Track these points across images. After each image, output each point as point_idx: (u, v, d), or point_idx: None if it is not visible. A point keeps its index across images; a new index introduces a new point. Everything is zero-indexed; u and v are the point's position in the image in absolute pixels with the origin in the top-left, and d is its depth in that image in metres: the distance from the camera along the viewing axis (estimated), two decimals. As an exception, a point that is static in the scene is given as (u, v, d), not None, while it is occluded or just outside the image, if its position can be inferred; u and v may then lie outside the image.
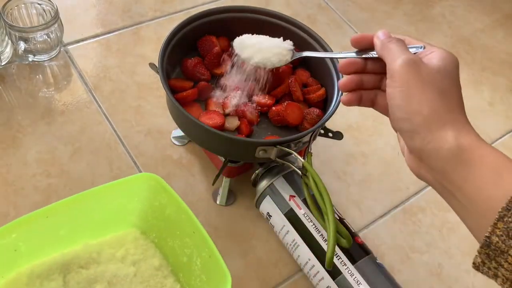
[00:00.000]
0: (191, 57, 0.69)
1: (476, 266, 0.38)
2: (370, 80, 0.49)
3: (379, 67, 0.48)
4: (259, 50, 0.62)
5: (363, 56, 0.48)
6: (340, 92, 0.63)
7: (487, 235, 0.36)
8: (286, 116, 0.64)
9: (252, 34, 0.65)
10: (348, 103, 0.50)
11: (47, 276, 0.53)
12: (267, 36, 0.64)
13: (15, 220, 0.49)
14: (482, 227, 0.37)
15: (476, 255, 0.37)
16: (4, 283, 0.52)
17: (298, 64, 0.72)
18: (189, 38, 0.68)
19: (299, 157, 0.58)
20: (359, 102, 0.50)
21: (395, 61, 0.42)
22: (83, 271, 0.54)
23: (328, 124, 0.66)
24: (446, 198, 0.41)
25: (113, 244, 0.57)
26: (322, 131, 0.68)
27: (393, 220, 0.73)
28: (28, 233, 0.51)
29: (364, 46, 0.48)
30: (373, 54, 0.47)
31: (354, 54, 0.49)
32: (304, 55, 0.60)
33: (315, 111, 0.65)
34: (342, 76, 0.58)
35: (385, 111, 0.48)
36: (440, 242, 0.71)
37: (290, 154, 0.58)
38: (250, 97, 0.67)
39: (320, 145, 0.77)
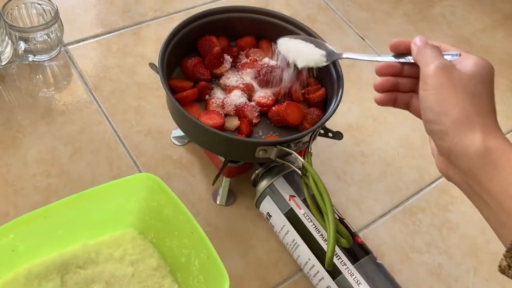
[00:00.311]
0: (191, 57, 0.69)
1: (501, 270, 0.39)
2: (406, 83, 0.51)
3: (416, 72, 0.49)
4: (301, 53, 0.63)
5: (400, 60, 0.50)
6: (340, 93, 0.63)
7: None
8: (286, 116, 0.64)
9: (261, 35, 0.68)
10: (381, 103, 0.51)
11: (45, 276, 0.53)
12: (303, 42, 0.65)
13: (13, 221, 0.49)
14: (508, 229, 0.38)
15: (502, 258, 0.38)
16: (1, 284, 0.52)
17: (298, 64, 0.72)
18: (189, 38, 0.68)
19: (299, 157, 0.58)
20: (394, 104, 0.52)
21: (429, 65, 0.44)
22: (81, 271, 0.54)
23: (328, 124, 0.66)
24: (474, 201, 0.42)
25: (111, 244, 0.57)
26: (322, 131, 0.68)
27: (393, 220, 0.73)
28: (26, 233, 0.51)
29: (402, 51, 0.50)
30: (409, 59, 0.49)
31: (392, 58, 0.51)
32: (344, 56, 0.61)
33: (315, 111, 0.65)
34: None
35: (419, 114, 0.50)
36: (440, 242, 0.71)
37: (290, 154, 0.58)
38: (250, 98, 0.67)
39: (320, 145, 0.77)
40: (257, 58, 0.70)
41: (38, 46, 0.76)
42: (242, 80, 0.68)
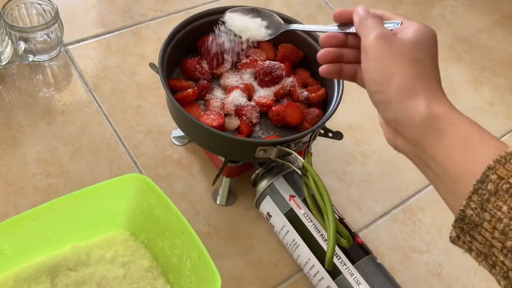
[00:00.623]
0: (191, 57, 0.69)
1: (452, 240, 0.38)
2: (351, 54, 0.49)
3: (359, 43, 0.47)
4: (246, 27, 0.61)
5: (344, 31, 0.49)
6: (341, 93, 0.63)
7: (461, 208, 0.35)
8: (286, 116, 0.64)
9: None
10: (325, 74, 0.50)
11: (35, 279, 0.52)
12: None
13: (0, 223, 0.49)
14: (456, 199, 0.37)
15: (452, 229, 0.38)
16: None
17: (298, 64, 0.72)
18: (189, 38, 0.68)
19: (299, 157, 0.58)
20: (339, 75, 0.50)
21: (368, 36, 0.43)
22: (71, 273, 0.54)
23: (328, 124, 0.66)
24: (423, 170, 0.42)
25: (102, 245, 0.57)
26: (322, 131, 0.68)
27: (393, 220, 0.73)
28: (14, 237, 0.50)
29: (345, 21, 0.48)
30: (352, 29, 0.48)
31: (335, 28, 0.49)
32: (290, 28, 0.59)
33: (315, 111, 0.65)
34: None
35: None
36: (440, 242, 0.71)
37: (290, 154, 0.58)
38: (250, 98, 0.67)
39: (320, 145, 0.77)
40: (257, 58, 0.70)
41: (38, 46, 0.76)
42: (242, 80, 0.68)
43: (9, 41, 0.75)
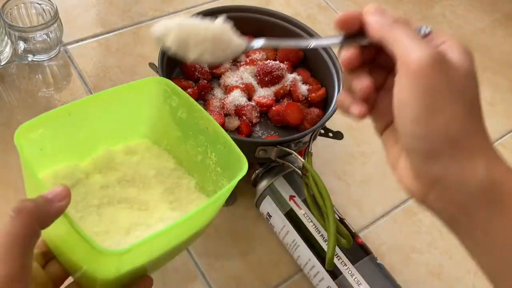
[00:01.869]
0: (191, 57, 0.69)
1: None
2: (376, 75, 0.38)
3: (376, 55, 0.37)
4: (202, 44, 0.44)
5: (353, 43, 0.36)
6: (341, 92, 0.63)
7: None
8: (286, 116, 0.64)
9: (261, 34, 0.56)
10: (365, 115, 0.39)
11: (72, 177, 0.52)
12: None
13: (41, 115, 0.48)
14: (506, 273, 0.31)
15: None
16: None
17: (298, 63, 0.72)
18: (189, 38, 0.68)
19: (299, 157, 0.57)
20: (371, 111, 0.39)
21: (413, 55, 0.31)
22: (108, 172, 0.54)
23: (328, 124, 0.66)
24: (458, 233, 0.34)
25: (127, 152, 0.57)
26: (322, 131, 0.68)
27: (394, 220, 0.72)
28: (53, 131, 0.50)
29: (354, 29, 0.36)
30: (366, 41, 0.36)
31: (326, 42, 0.38)
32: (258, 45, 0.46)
33: (315, 111, 0.65)
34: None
35: (385, 117, 0.38)
36: (440, 242, 0.71)
37: (290, 154, 0.58)
38: (250, 98, 0.67)
39: (320, 145, 0.77)
40: (257, 58, 0.70)
41: (38, 46, 0.76)
42: (242, 80, 0.68)
43: (9, 41, 0.75)
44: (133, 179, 0.55)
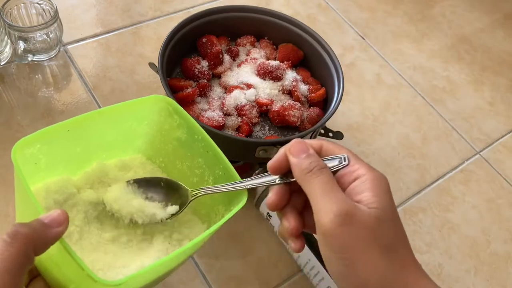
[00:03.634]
0: (191, 56, 0.69)
1: None
2: (299, 199, 0.41)
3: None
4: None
5: (279, 182, 0.40)
6: (341, 92, 0.63)
7: None
8: (286, 116, 0.64)
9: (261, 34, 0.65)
10: (302, 249, 0.41)
11: (64, 191, 0.51)
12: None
13: (40, 131, 0.47)
14: None
15: None
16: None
17: (298, 63, 0.72)
18: (189, 38, 0.68)
19: (299, 157, 0.57)
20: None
21: (323, 215, 0.35)
22: (99, 187, 0.54)
23: (328, 124, 0.66)
24: None
25: (122, 167, 0.56)
26: (322, 131, 0.68)
27: (393, 220, 0.72)
28: (49, 146, 0.49)
29: (285, 171, 0.40)
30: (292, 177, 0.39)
31: (262, 180, 0.41)
32: (201, 194, 0.48)
33: (315, 111, 0.65)
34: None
35: (314, 231, 0.40)
36: (440, 242, 0.71)
37: (290, 154, 0.58)
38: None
39: (320, 145, 0.77)
40: (257, 57, 0.70)
41: (38, 45, 0.76)
42: (242, 79, 0.68)
43: (9, 41, 0.75)
44: None
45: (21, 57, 0.77)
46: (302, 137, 0.59)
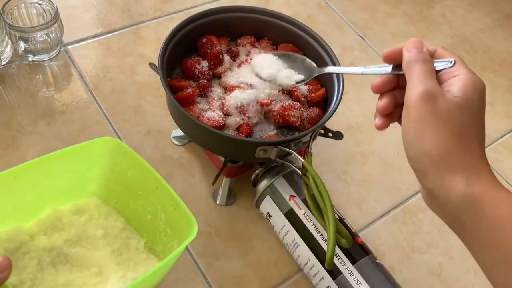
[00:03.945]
0: (191, 56, 0.69)
1: None
2: (400, 94, 0.45)
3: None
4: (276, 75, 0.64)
5: (393, 72, 0.45)
6: (341, 92, 0.63)
7: None
8: (286, 116, 0.64)
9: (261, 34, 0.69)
10: (382, 128, 0.47)
11: (15, 239, 0.52)
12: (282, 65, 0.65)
13: None
14: (501, 272, 0.36)
15: None
16: None
17: (298, 64, 0.72)
18: (189, 38, 0.68)
19: (299, 157, 0.57)
20: (393, 121, 0.47)
21: (412, 91, 0.40)
22: (52, 234, 0.54)
23: (328, 124, 0.66)
24: (458, 235, 0.41)
25: (76, 211, 0.57)
26: (322, 131, 0.68)
27: (393, 220, 0.72)
28: None
29: (396, 62, 0.44)
30: (401, 70, 0.43)
31: (377, 69, 0.46)
32: (326, 71, 0.60)
33: (315, 111, 0.65)
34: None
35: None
36: (440, 242, 0.71)
37: (290, 154, 0.58)
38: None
39: (320, 145, 0.77)
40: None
41: (38, 46, 0.76)
42: (242, 79, 0.68)
43: (9, 41, 0.75)
44: (80, 240, 0.54)
45: (22, 57, 0.77)
46: (301, 137, 0.59)
